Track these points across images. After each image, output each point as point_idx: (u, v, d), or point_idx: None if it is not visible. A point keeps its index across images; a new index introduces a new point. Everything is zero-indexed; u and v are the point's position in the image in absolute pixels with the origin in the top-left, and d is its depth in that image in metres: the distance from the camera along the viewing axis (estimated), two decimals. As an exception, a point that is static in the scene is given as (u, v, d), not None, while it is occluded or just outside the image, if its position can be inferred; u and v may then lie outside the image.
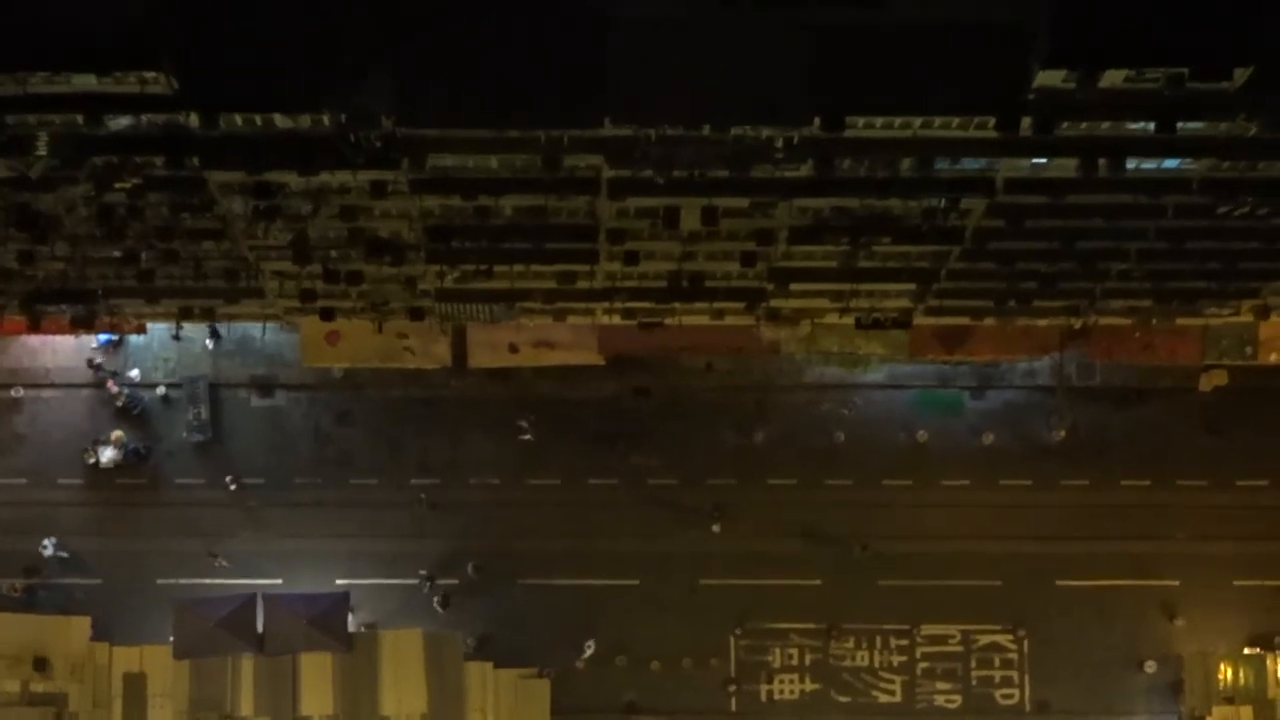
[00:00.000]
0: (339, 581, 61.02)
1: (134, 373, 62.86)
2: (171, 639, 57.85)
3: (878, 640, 61.80)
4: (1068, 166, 41.95)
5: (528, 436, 61.33)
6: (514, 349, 59.72)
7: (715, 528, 60.74)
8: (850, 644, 61.70)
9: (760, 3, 36.71)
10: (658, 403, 62.43)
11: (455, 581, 60.85)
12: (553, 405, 62.16)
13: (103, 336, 61.42)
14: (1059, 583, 61.59)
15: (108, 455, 61.45)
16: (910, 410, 62.80)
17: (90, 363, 62.08)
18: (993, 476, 62.36)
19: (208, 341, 62.18)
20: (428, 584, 60.30)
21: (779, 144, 40.45)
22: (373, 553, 61.45)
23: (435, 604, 59.97)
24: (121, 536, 61.33)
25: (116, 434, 61.28)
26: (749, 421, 62.43)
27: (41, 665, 57.19)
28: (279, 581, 60.73)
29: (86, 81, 38.09)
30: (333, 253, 48.91)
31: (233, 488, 61.26)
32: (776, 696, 61.79)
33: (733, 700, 61.52)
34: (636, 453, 62.11)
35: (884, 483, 62.22)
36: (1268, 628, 60.90)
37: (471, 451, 62.23)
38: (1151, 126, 39.48)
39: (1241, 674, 59.10)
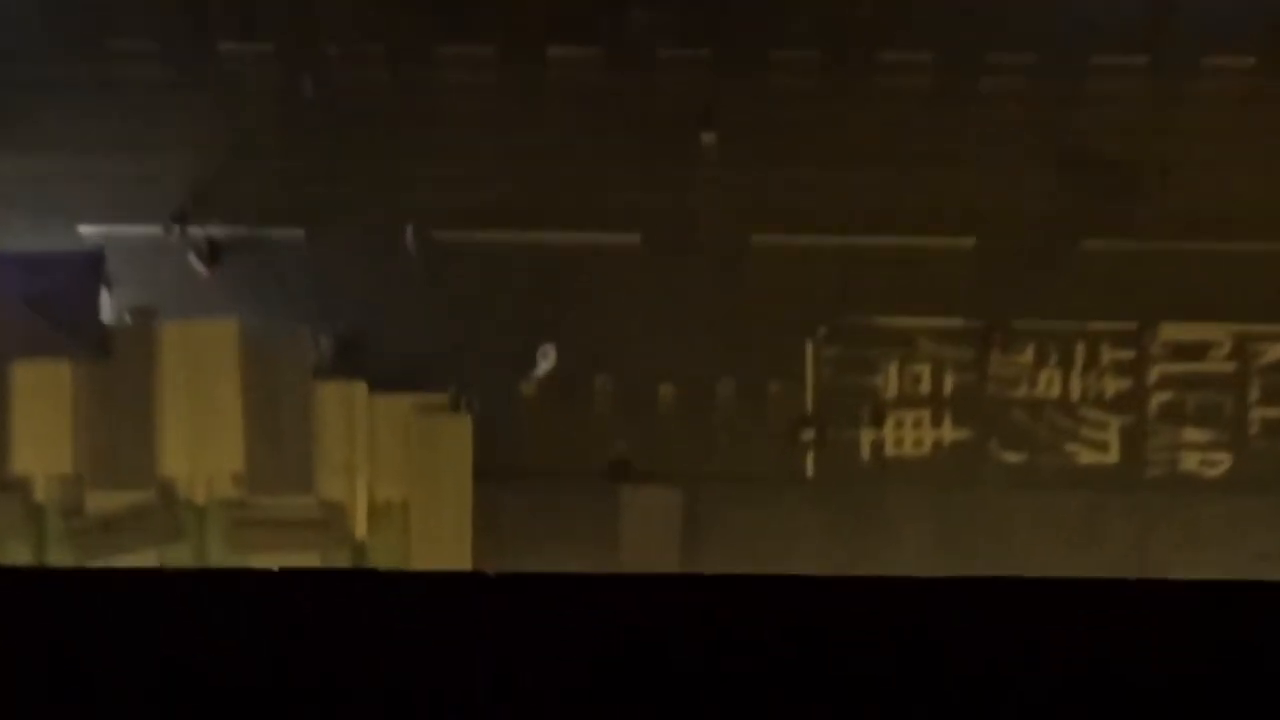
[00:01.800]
0: (85, 231, 48.30)
1: None
2: None
3: (1079, 350, 47.63)
4: None
5: None
6: None
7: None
8: (1028, 356, 47.59)
9: None
10: None
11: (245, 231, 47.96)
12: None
13: None
14: None
15: None
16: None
17: None
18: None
19: None
20: (177, 227, 48.63)
21: None
22: (146, 178, 47.55)
23: (193, 260, 48.80)
24: None
25: None
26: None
27: None
28: (-41, 226, 51.84)
29: None
30: None
31: None
32: (890, 452, 48.06)
33: (809, 458, 47.99)
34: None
35: (1094, 60, 46.87)
36: None
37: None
38: None
39: None
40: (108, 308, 46.55)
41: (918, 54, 46.95)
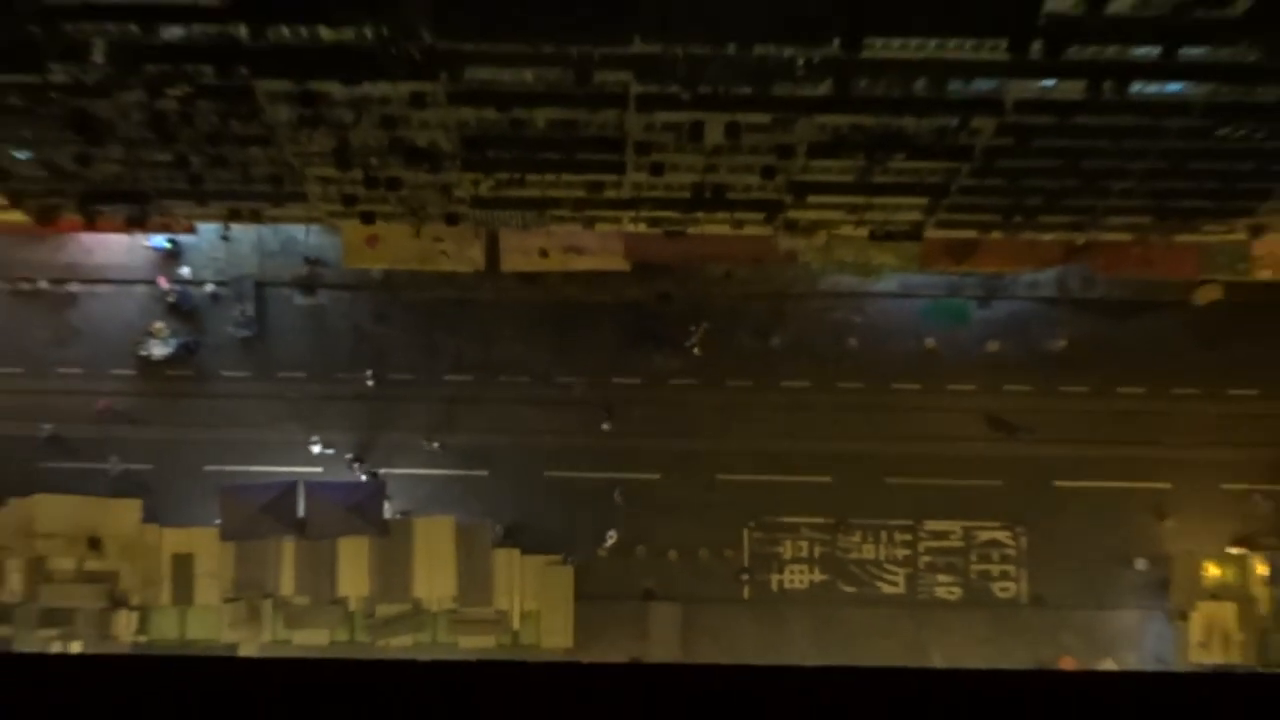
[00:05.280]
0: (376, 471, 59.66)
1: (184, 270, 61.71)
2: (218, 522, 56.80)
3: (883, 535, 60.45)
4: (1075, 89, 41.36)
5: (695, 348, 60.08)
6: (544, 254, 57.84)
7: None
8: (857, 538, 60.48)
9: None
10: (680, 307, 61.07)
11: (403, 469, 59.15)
12: (580, 308, 60.90)
13: (156, 240, 60.27)
14: (1057, 483, 60.48)
15: (159, 349, 60.40)
16: (920, 318, 61.56)
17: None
18: (996, 382, 60.93)
19: (223, 238, 60.94)
20: (356, 464, 59.40)
21: (800, 63, 39.95)
22: (408, 446, 60.49)
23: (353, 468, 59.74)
24: (171, 425, 60.04)
25: (157, 325, 60.23)
26: (766, 327, 61.42)
27: (95, 545, 56.16)
28: (319, 470, 59.73)
29: (141, -8, 36.13)
30: (373, 159, 48.00)
31: (370, 383, 60.63)
32: (787, 586, 60.50)
33: (745, 589, 60.43)
34: (659, 354, 60.97)
35: (893, 386, 60.75)
36: (1252, 528, 60.15)
37: (502, 350, 60.91)
38: (1156, 51, 39.23)
39: (1226, 572, 58.46)
40: (387, 510, 57.25)
41: (803, 382, 59.60)
